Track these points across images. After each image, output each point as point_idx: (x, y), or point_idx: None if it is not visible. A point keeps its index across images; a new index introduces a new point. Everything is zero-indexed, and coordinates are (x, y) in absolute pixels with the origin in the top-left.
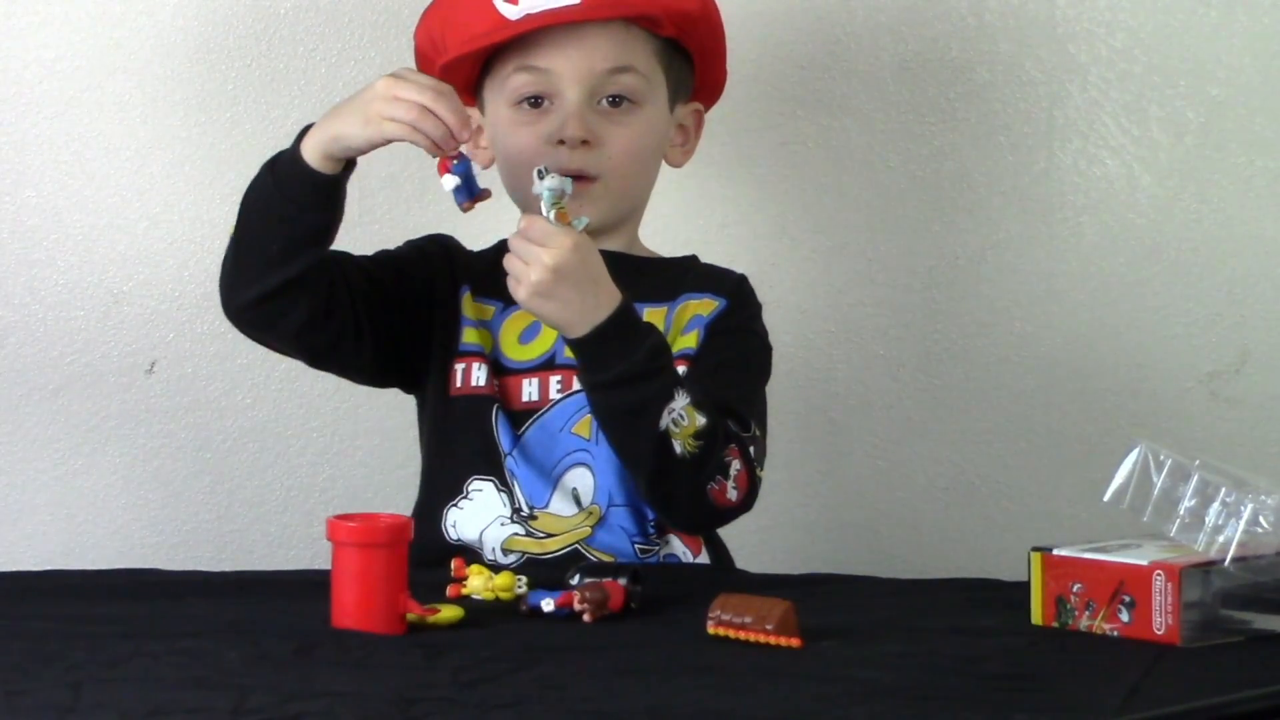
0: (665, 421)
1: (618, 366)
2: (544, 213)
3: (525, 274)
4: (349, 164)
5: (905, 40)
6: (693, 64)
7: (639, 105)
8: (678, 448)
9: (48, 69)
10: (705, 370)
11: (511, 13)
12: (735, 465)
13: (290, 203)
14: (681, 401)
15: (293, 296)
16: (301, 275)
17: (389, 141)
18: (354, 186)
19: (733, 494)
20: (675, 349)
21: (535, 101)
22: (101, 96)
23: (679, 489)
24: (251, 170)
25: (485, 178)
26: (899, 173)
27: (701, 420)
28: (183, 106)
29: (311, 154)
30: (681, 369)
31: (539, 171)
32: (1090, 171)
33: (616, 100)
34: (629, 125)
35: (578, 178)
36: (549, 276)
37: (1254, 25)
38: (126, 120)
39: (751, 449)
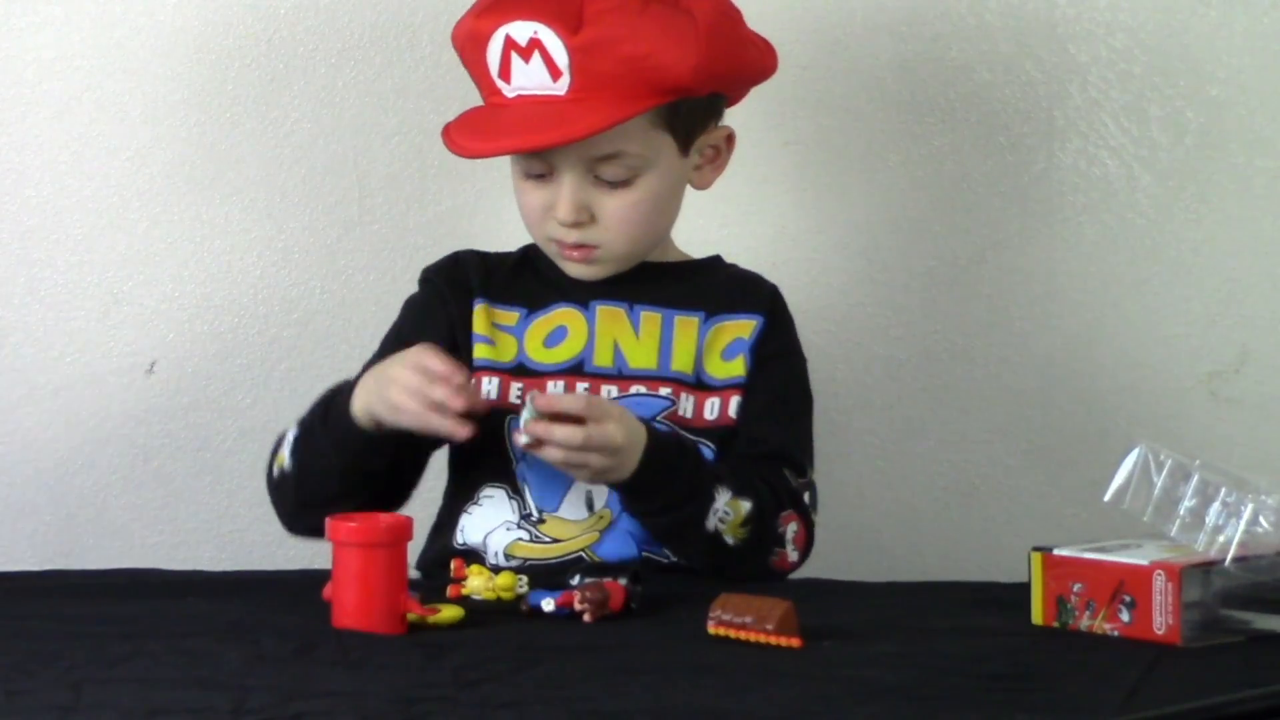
0: (712, 524)
1: (659, 499)
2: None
3: (591, 459)
4: None
5: (905, 40)
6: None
7: (637, 175)
8: (730, 541)
9: (48, 69)
10: (760, 408)
11: (505, 88)
12: (792, 528)
13: (347, 454)
14: (724, 498)
15: (372, 502)
16: (370, 498)
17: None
18: (354, 186)
19: (793, 556)
20: (719, 376)
21: (538, 168)
22: (101, 96)
23: (741, 570)
24: (251, 170)
25: None
26: (899, 173)
27: (746, 506)
28: (183, 106)
29: (358, 413)
30: (735, 399)
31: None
32: (1090, 171)
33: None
34: (625, 197)
35: (579, 247)
36: (614, 456)
37: (1254, 25)
38: (126, 120)
39: (806, 496)
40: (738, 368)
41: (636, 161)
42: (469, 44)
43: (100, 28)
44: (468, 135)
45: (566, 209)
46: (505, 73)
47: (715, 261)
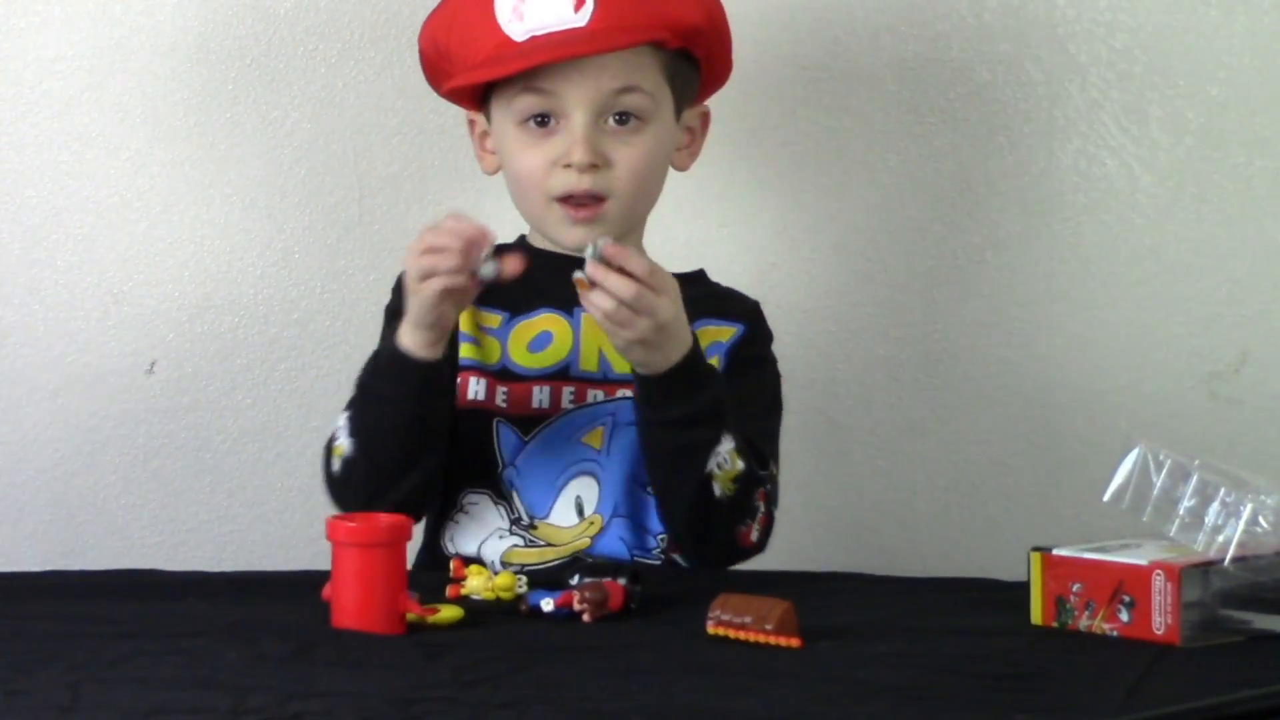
0: (711, 464)
1: (680, 409)
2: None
3: (635, 324)
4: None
5: (905, 40)
6: (699, 67)
7: (646, 122)
8: (717, 490)
9: (48, 69)
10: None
11: (517, 32)
12: (761, 507)
13: (408, 392)
14: (727, 445)
15: (426, 484)
16: (435, 464)
17: (440, 298)
18: (353, 186)
19: (755, 535)
20: None
21: (542, 120)
22: (101, 96)
23: (714, 530)
24: (251, 170)
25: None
26: (899, 173)
27: (741, 465)
28: (183, 106)
29: (415, 346)
30: None
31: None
32: (1090, 171)
33: (623, 118)
34: (636, 144)
35: (588, 200)
36: (656, 332)
37: (1254, 25)
38: (126, 120)
39: (768, 487)
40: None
41: (648, 103)
42: (464, 11)
43: (100, 28)
44: (479, 71)
45: (583, 149)
46: (519, 13)
47: (699, 275)
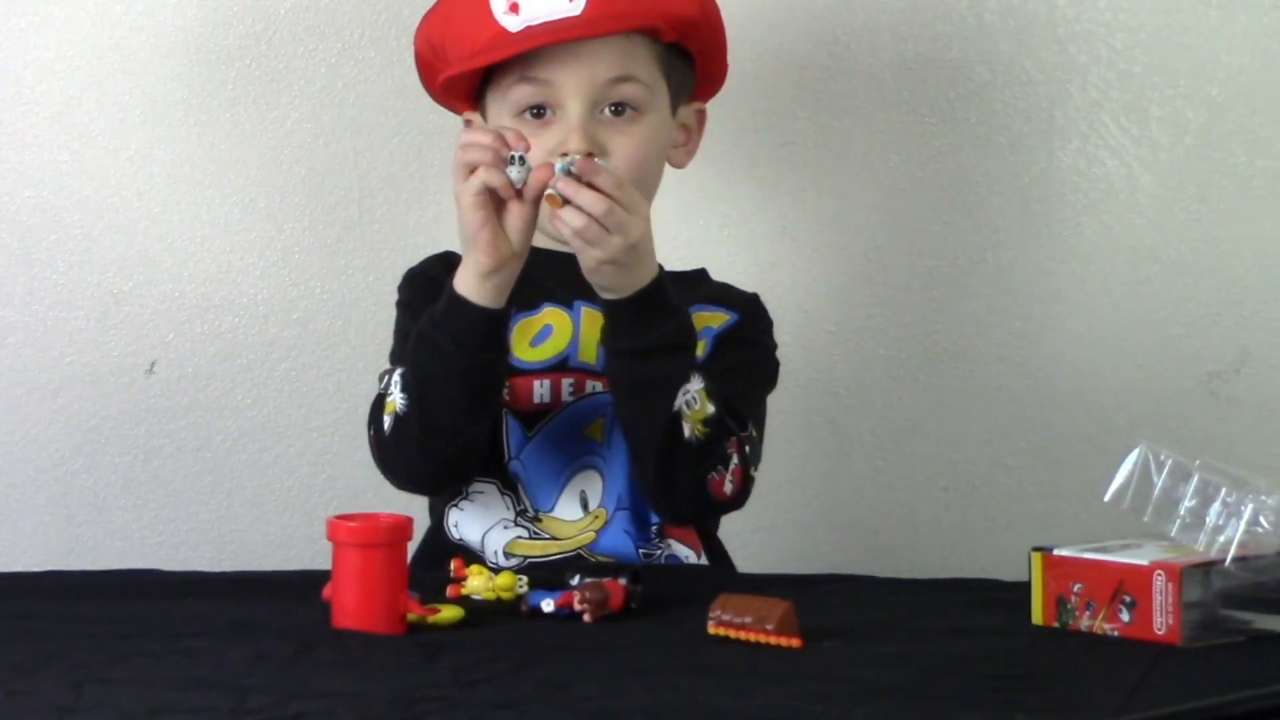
0: (679, 402)
1: (647, 336)
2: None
3: (607, 242)
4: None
5: (905, 40)
6: (694, 64)
7: (642, 113)
8: (686, 431)
9: (48, 69)
10: (711, 374)
11: (512, 24)
12: (734, 459)
13: (469, 349)
14: (697, 385)
15: (479, 444)
16: (488, 421)
17: (482, 199)
18: (353, 186)
19: (728, 487)
20: None
21: (538, 111)
22: (101, 96)
23: (682, 474)
24: (251, 170)
25: None
26: (899, 173)
27: (711, 408)
28: (183, 106)
29: (472, 290)
30: None
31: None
32: (1090, 171)
33: (619, 109)
34: (632, 134)
35: None
36: (628, 252)
37: (1254, 25)
38: (126, 120)
39: (748, 448)
40: (698, 351)
41: (643, 94)
42: (459, 8)
43: (100, 28)
44: (475, 60)
45: (579, 138)
46: (514, 7)
47: (701, 274)
